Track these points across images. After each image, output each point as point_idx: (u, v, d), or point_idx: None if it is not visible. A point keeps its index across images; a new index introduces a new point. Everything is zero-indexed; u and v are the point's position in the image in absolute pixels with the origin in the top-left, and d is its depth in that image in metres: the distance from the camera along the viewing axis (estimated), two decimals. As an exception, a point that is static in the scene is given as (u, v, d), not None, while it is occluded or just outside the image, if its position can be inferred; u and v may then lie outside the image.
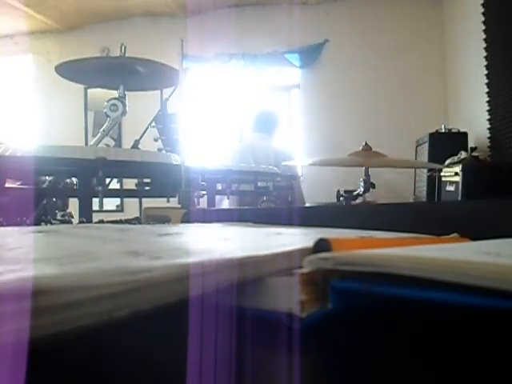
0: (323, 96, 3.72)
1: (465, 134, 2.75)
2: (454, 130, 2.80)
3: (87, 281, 0.15)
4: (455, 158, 2.34)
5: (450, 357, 0.19)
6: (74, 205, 1.13)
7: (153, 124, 1.51)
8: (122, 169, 1.11)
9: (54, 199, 1.18)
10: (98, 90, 2.46)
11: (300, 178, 2.29)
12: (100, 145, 1.41)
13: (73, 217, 1.20)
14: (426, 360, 0.19)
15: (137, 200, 1.15)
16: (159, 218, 0.95)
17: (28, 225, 0.99)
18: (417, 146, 3.06)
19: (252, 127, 2.42)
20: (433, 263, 0.18)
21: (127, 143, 2.01)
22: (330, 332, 0.21)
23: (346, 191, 1.46)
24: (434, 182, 2.47)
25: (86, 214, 1.03)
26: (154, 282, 0.17)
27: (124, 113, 1.35)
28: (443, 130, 2.81)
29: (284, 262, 0.22)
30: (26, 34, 3.94)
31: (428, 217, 0.46)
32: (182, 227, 0.46)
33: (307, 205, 2.02)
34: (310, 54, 3.74)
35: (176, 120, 1.41)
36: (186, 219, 0.62)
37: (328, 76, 3.72)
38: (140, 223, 0.94)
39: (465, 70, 3.11)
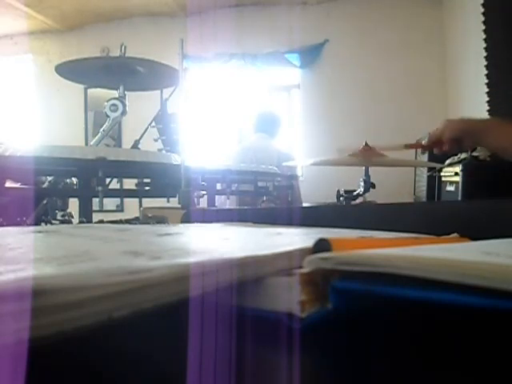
0: (323, 96, 3.72)
1: (465, 134, 2.74)
2: (454, 130, 2.79)
3: (87, 281, 0.15)
4: (455, 158, 2.34)
5: (450, 357, 0.19)
6: (74, 205, 1.13)
7: (153, 124, 1.51)
8: (121, 169, 1.11)
9: (54, 199, 1.18)
10: (98, 89, 2.46)
11: (299, 178, 2.29)
12: (100, 145, 1.41)
13: (73, 217, 1.20)
14: (425, 360, 0.19)
15: (137, 200, 1.15)
16: (157, 218, 0.96)
17: (28, 225, 0.99)
18: (417, 146, 3.06)
19: (254, 128, 2.42)
20: (433, 263, 0.18)
21: (127, 143, 2.01)
22: (329, 332, 0.21)
23: (346, 191, 1.46)
24: (434, 182, 2.46)
25: (86, 214, 1.03)
26: (154, 282, 0.17)
27: (124, 113, 1.35)
28: (443, 130, 2.81)
29: (284, 262, 0.22)
30: (25, 34, 3.94)
31: (428, 217, 0.46)
32: (182, 227, 0.46)
33: (307, 205, 2.02)
34: (310, 54, 3.75)
35: (176, 120, 1.41)
36: (186, 219, 0.62)
37: (328, 76, 3.72)
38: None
39: (465, 69, 3.11)
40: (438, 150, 0.95)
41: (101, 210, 1.06)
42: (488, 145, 0.95)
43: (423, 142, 0.98)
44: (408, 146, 1.06)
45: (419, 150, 2.98)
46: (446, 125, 0.94)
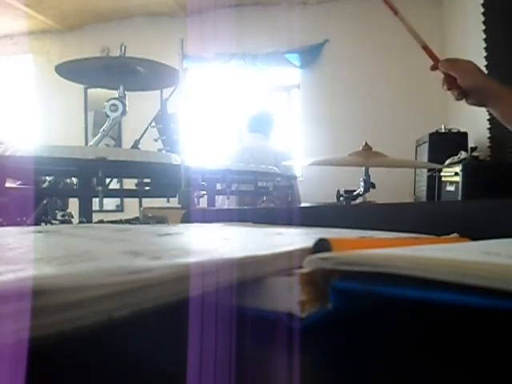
0: (323, 96, 3.72)
1: (465, 134, 2.75)
2: (454, 130, 2.80)
3: (87, 281, 0.15)
4: (455, 158, 2.34)
5: (450, 357, 0.19)
6: (74, 205, 1.13)
7: (153, 124, 1.51)
8: (121, 169, 1.11)
9: (54, 199, 1.18)
10: (98, 89, 2.46)
11: (298, 178, 2.29)
12: (100, 145, 1.41)
13: (73, 217, 1.20)
14: (425, 360, 0.19)
15: (137, 200, 1.15)
16: (157, 218, 0.95)
17: (28, 225, 0.99)
18: (417, 146, 3.06)
19: (248, 128, 2.42)
20: (433, 263, 0.18)
21: (127, 143, 2.01)
22: (329, 332, 0.21)
23: (346, 191, 1.46)
24: (434, 182, 2.47)
25: (86, 214, 1.03)
26: (154, 282, 0.17)
27: (124, 113, 1.35)
28: (443, 130, 2.81)
29: (284, 262, 0.22)
30: (25, 34, 3.94)
31: (428, 217, 0.46)
32: (182, 227, 0.46)
33: (307, 205, 2.02)
34: (310, 54, 3.75)
35: (176, 120, 1.41)
36: (186, 219, 0.62)
37: (328, 76, 3.72)
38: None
39: (465, 69, 3.11)
40: (445, 85, 0.91)
41: (101, 210, 1.06)
42: (498, 111, 0.91)
43: (440, 64, 0.94)
44: (426, 48, 1.00)
45: (419, 150, 2.98)
46: (466, 70, 0.89)
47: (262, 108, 2.65)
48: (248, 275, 0.21)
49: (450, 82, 0.90)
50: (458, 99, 0.90)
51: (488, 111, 2.40)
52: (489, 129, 2.57)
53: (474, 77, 0.88)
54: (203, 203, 1.29)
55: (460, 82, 0.88)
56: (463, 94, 0.88)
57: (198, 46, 3.24)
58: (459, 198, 2.04)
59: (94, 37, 3.98)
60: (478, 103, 0.90)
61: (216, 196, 1.33)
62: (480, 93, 0.88)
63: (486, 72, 0.93)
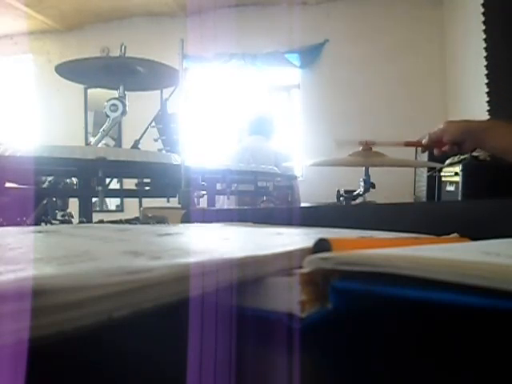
0: (323, 96, 3.72)
1: (465, 134, 2.74)
2: (454, 130, 2.79)
3: (87, 281, 0.15)
4: (455, 158, 2.34)
5: (450, 357, 0.19)
6: (74, 205, 1.13)
7: (153, 124, 1.51)
8: (121, 169, 1.11)
9: (54, 199, 1.18)
10: (98, 90, 2.46)
11: (298, 179, 2.30)
12: (100, 145, 1.41)
13: (73, 217, 1.20)
14: (425, 360, 0.19)
15: (137, 200, 1.15)
16: (157, 218, 0.96)
17: (28, 225, 0.99)
18: (417, 146, 3.05)
19: (248, 130, 2.42)
20: (433, 263, 0.18)
21: (127, 143, 2.01)
22: (329, 332, 0.21)
23: (346, 191, 1.46)
24: (434, 182, 2.46)
25: (86, 214, 1.03)
26: (154, 282, 0.17)
27: (124, 113, 1.35)
28: (443, 130, 2.80)
29: (284, 262, 0.22)
30: (25, 34, 3.94)
31: (428, 217, 0.46)
32: (182, 227, 0.46)
33: (307, 205, 2.02)
34: (310, 54, 3.75)
35: (176, 120, 1.41)
36: (186, 219, 0.62)
37: (328, 76, 3.72)
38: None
39: (465, 69, 3.11)
40: (437, 151, 0.95)
41: (101, 210, 1.06)
42: (488, 147, 0.94)
43: (423, 141, 0.97)
44: (408, 144, 1.06)
45: (419, 150, 2.98)
46: (446, 126, 0.93)
47: (262, 111, 2.65)
48: (248, 275, 0.21)
49: (437, 145, 0.94)
50: (453, 153, 0.96)
51: (488, 111, 2.39)
52: (489, 129, 2.56)
53: (453, 128, 0.92)
54: (203, 203, 1.29)
55: (444, 138, 0.91)
56: (455, 147, 0.91)
57: (198, 46, 3.24)
58: (459, 198, 2.04)
59: (93, 37, 3.98)
60: (472, 147, 0.94)
61: (216, 196, 1.33)
62: (467, 137, 0.90)
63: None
